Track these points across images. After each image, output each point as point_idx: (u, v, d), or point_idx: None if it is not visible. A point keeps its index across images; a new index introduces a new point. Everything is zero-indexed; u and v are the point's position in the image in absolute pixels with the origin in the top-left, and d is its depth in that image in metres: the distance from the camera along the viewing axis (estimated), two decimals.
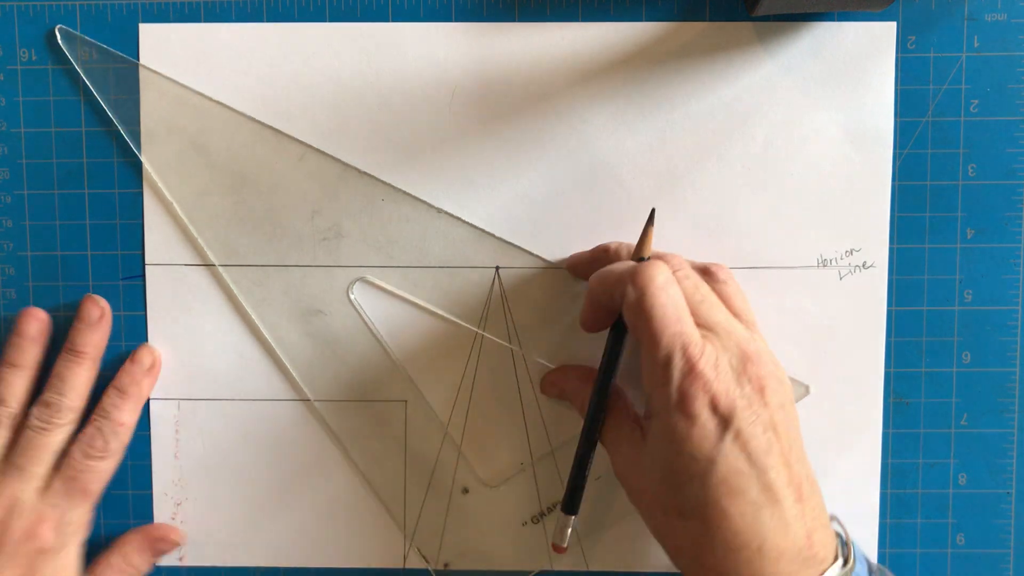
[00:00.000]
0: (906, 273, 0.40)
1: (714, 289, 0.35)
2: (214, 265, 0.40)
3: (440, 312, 0.40)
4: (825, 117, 0.39)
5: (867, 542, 0.40)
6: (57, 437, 0.38)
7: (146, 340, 0.40)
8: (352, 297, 0.40)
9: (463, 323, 0.40)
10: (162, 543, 0.40)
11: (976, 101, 0.39)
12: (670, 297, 0.32)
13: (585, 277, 0.38)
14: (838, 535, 0.33)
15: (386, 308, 0.40)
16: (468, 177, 0.40)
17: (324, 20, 0.39)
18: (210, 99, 0.40)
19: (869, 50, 0.39)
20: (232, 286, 0.40)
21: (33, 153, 0.40)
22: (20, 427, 0.38)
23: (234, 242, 0.40)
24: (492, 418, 0.40)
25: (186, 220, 0.40)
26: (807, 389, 0.40)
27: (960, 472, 0.40)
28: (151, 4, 0.39)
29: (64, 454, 0.38)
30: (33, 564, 0.36)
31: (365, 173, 0.40)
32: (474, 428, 0.40)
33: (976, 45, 0.39)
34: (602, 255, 0.37)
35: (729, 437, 0.30)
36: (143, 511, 0.41)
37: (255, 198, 0.40)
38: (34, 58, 0.40)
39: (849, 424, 0.40)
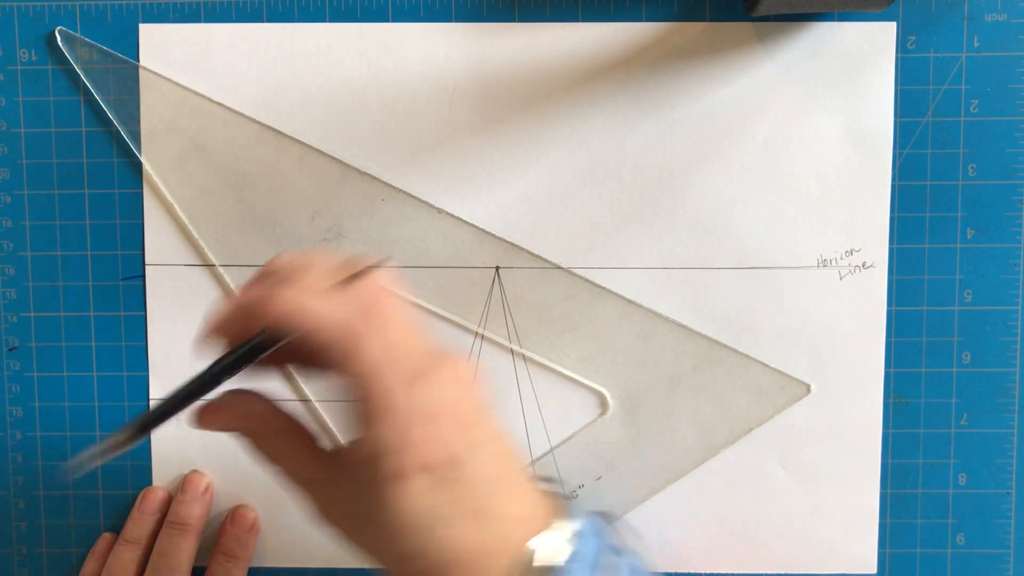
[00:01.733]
0: (906, 273, 0.40)
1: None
2: (214, 265, 0.40)
3: (440, 312, 0.40)
4: (825, 117, 0.39)
5: (867, 542, 0.40)
6: None
7: (145, 340, 0.40)
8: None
9: (463, 323, 0.40)
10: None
11: (976, 101, 0.39)
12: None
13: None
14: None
15: None
16: (468, 177, 0.40)
17: (324, 20, 0.39)
18: (210, 99, 0.40)
19: (869, 50, 0.39)
20: (232, 286, 0.40)
21: (33, 153, 0.40)
22: None
23: (234, 242, 0.40)
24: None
25: (186, 220, 0.40)
26: (808, 388, 0.40)
27: (960, 472, 0.40)
28: (151, 4, 0.39)
29: None
30: None
31: (365, 173, 0.40)
32: None
33: (976, 45, 0.39)
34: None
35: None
36: None
37: (255, 198, 0.40)
38: (34, 58, 0.40)
39: (849, 424, 0.40)
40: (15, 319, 0.41)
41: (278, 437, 0.28)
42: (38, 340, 0.41)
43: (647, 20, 0.39)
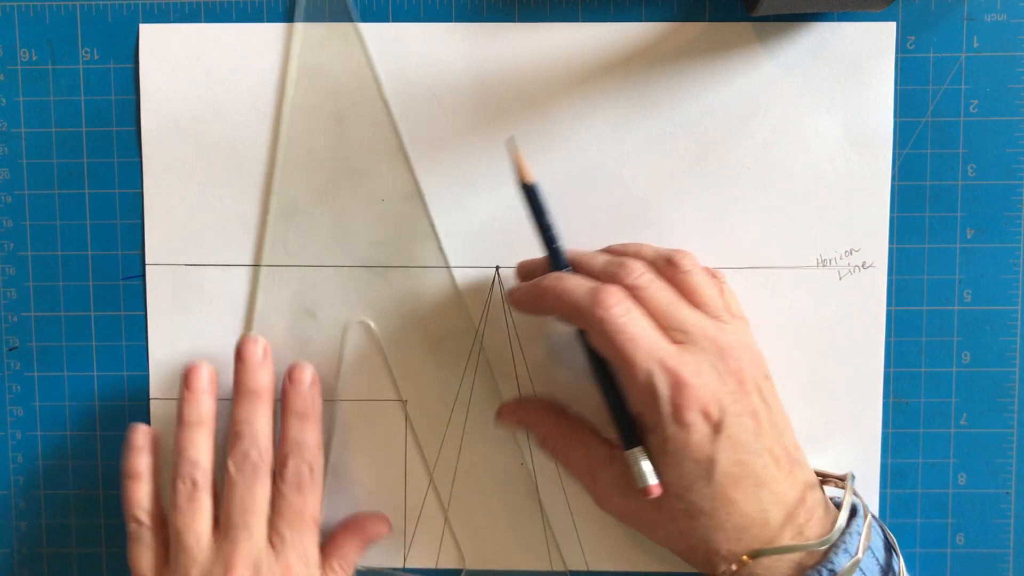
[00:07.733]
0: (906, 273, 0.40)
1: (678, 281, 0.35)
2: (214, 265, 0.40)
3: (440, 312, 0.40)
4: (825, 117, 0.39)
5: None
6: (266, 484, 0.36)
7: (146, 340, 0.41)
8: (353, 298, 0.40)
9: (463, 323, 0.40)
10: (373, 533, 0.40)
11: (976, 101, 0.39)
12: (633, 321, 0.32)
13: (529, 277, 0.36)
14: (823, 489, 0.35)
15: (386, 308, 0.40)
16: (468, 177, 0.40)
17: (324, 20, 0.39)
18: (210, 99, 0.40)
19: (869, 50, 0.39)
20: (232, 286, 0.40)
21: (33, 153, 0.40)
22: (219, 485, 0.37)
23: (234, 242, 0.40)
24: (492, 417, 0.40)
25: (186, 220, 0.40)
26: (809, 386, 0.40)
27: (960, 472, 0.40)
28: (151, 4, 0.39)
29: (274, 497, 0.37)
30: None
31: (365, 173, 0.40)
32: (474, 427, 0.40)
33: (976, 45, 0.39)
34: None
35: (723, 436, 0.32)
36: None
37: (255, 198, 0.40)
38: (34, 58, 0.40)
39: (849, 424, 0.40)
40: (15, 319, 0.41)
41: (563, 439, 0.37)
42: (38, 340, 0.41)
43: (647, 20, 0.39)
